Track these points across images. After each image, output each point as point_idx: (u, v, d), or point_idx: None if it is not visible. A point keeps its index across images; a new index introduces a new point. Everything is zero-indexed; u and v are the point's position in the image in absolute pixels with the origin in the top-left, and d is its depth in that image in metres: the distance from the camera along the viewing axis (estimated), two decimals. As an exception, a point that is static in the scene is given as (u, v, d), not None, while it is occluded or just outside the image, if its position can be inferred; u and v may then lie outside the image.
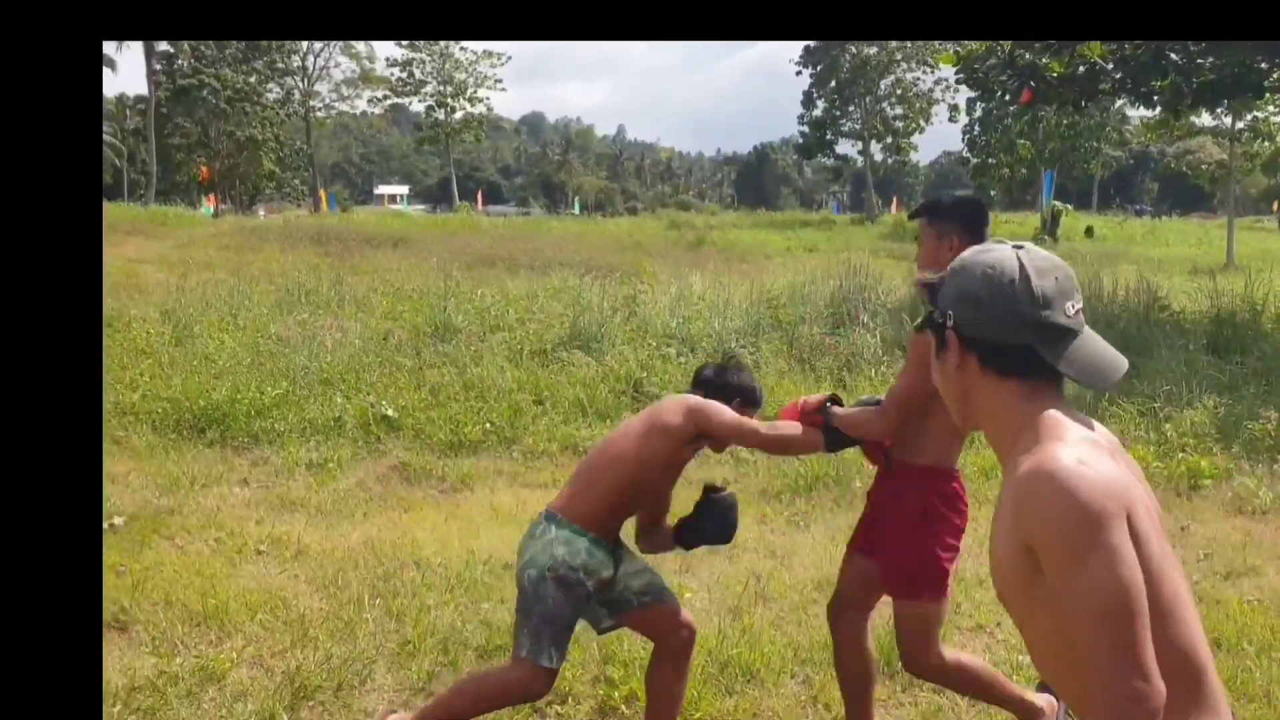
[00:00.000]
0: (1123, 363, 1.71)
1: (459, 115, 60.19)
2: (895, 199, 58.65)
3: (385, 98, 62.94)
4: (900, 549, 3.20)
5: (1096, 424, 1.73)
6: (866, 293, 11.09)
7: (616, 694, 3.89)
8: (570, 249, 25.29)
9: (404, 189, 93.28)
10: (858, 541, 3.46)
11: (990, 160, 45.89)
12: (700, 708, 3.80)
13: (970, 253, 1.77)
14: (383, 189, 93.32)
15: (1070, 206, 42.23)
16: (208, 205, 41.07)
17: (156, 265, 20.13)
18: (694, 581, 5.19)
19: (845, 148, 56.39)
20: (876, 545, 3.32)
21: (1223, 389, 8.18)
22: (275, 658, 4.27)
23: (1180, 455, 7.07)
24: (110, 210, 26.05)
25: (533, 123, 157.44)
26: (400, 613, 4.72)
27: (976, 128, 47.90)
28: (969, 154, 49.42)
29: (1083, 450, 1.59)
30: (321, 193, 57.22)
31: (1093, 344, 1.70)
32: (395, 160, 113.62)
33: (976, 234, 3.21)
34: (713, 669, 4.07)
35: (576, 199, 75.71)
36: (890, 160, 57.47)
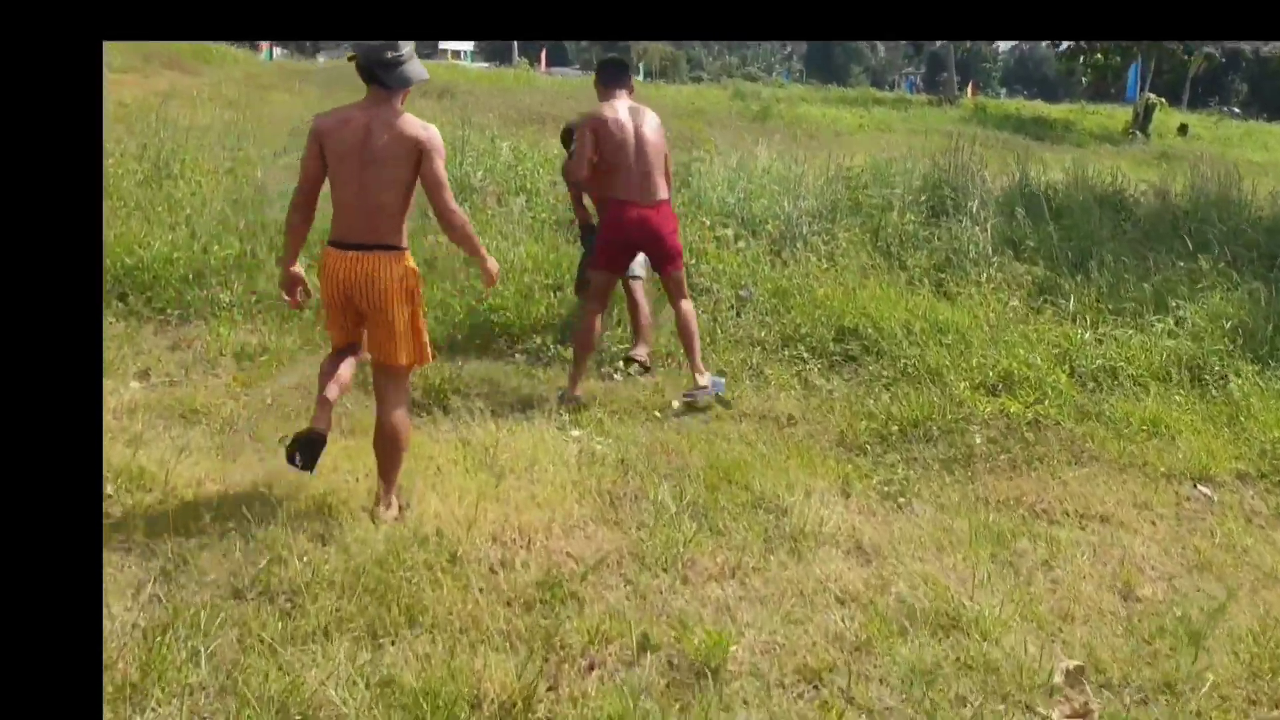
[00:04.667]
0: (418, 77, 3.81)
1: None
2: (972, 84, 54.64)
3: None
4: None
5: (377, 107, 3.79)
6: (972, 177, 8.84)
7: None
8: (626, 112, 23.03)
9: (469, 45, 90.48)
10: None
11: (1083, 45, 41.98)
12: None
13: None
14: (446, 44, 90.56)
15: (1164, 100, 38.79)
16: (267, 49, 38.78)
17: (180, 100, 18.16)
18: (743, 617, 3.39)
19: (927, 25, 52.80)
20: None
21: None
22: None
23: None
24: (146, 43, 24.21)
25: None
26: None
27: (1072, 10, 43.81)
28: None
29: (345, 110, 3.83)
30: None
31: (405, 70, 3.77)
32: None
33: (608, 81, 5.63)
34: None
35: (641, 64, 72.20)
36: (970, 43, 53.74)
